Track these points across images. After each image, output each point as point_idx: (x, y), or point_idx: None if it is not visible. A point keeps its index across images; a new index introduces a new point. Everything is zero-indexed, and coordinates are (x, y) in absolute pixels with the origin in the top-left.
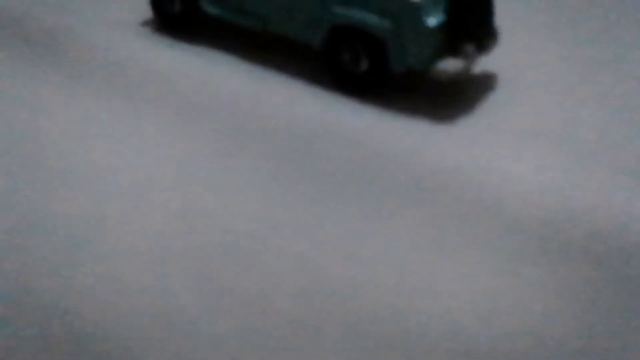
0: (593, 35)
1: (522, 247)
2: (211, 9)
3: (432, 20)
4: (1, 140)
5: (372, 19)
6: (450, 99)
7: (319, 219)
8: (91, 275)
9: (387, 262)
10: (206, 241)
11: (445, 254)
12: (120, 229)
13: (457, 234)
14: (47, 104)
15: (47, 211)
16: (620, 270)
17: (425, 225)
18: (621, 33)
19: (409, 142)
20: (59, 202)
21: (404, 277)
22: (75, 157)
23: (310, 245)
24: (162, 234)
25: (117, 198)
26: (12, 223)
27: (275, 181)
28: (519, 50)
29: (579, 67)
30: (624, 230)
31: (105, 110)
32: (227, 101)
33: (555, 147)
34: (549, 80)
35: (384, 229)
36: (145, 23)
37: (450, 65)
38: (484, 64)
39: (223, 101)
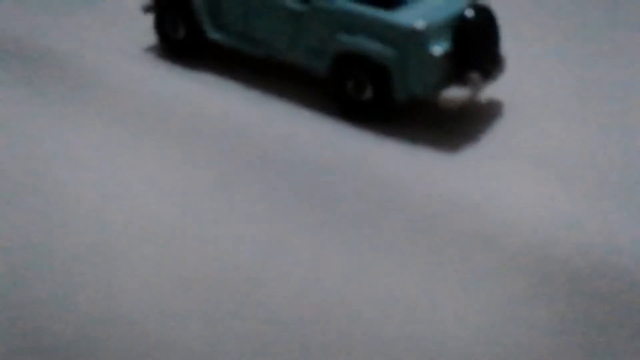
0: (602, 58)
1: (526, 281)
2: (215, 36)
3: (437, 49)
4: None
5: (376, 47)
6: (455, 126)
7: (319, 247)
8: (88, 305)
9: (387, 292)
10: (206, 270)
11: (447, 285)
12: (118, 258)
13: (458, 265)
14: (46, 129)
15: (45, 240)
16: (629, 307)
17: (426, 254)
18: (633, 57)
19: (413, 169)
20: (55, 230)
21: (403, 307)
22: (73, 184)
23: (310, 275)
24: (161, 262)
25: (115, 225)
26: (10, 254)
27: (276, 209)
28: (526, 76)
29: (587, 92)
30: (632, 265)
31: (106, 137)
32: (229, 128)
33: (561, 178)
34: (556, 107)
35: (385, 259)
36: (150, 49)
37: (455, 93)
38: (489, 90)
39: (225, 128)
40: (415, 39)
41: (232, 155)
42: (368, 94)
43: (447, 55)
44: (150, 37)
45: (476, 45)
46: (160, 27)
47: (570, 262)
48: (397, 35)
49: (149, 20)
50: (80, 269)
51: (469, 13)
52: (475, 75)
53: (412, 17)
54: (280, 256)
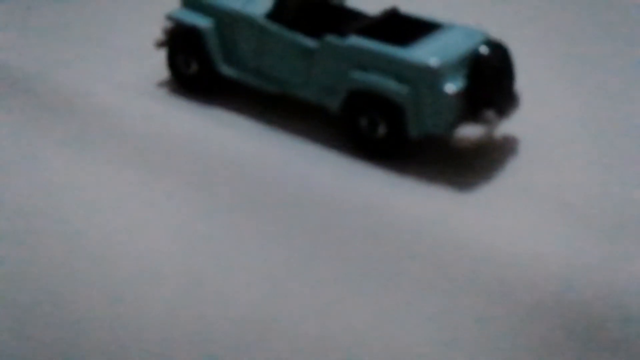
0: (620, 93)
1: (547, 333)
2: (228, 71)
3: (451, 87)
4: (7, 205)
5: (389, 85)
6: (469, 164)
7: (331, 292)
8: (97, 354)
9: (401, 340)
10: (211, 314)
11: (464, 334)
12: (124, 303)
13: (475, 311)
14: (56, 170)
15: (53, 284)
16: None
17: (441, 299)
18: None
19: (427, 209)
20: (62, 274)
21: (418, 356)
22: (82, 225)
23: (320, 321)
24: (171, 306)
25: (124, 268)
26: (16, 300)
27: (286, 250)
28: (541, 112)
29: (605, 128)
30: None
31: (116, 177)
32: (241, 166)
33: (579, 217)
34: (573, 143)
35: (398, 304)
36: (162, 84)
37: (470, 130)
38: (504, 127)
39: (237, 166)
40: (429, 77)
41: (244, 193)
42: (381, 131)
43: (461, 93)
44: (162, 73)
45: (491, 83)
46: (173, 62)
47: (590, 308)
48: (411, 72)
49: (160, 55)
50: (89, 314)
51: (484, 50)
52: (490, 113)
53: (427, 54)
54: (289, 301)
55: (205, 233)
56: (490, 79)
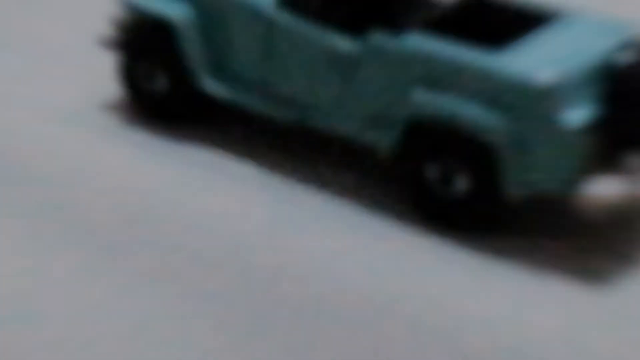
0: None
1: None
2: (216, 89)
3: (575, 116)
4: None
5: (473, 112)
6: (602, 241)
7: None
8: None
9: None
10: None
11: None
12: None
13: None
14: None
15: None
16: None
17: None
18: None
19: (525, 324)
20: None
21: None
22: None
23: None
24: None
25: None
26: None
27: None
28: None
29: None
30: None
31: (57, 262)
32: (239, 246)
33: None
34: None
35: None
36: (110, 108)
37: (605, 186)
38: None
39: (232, 246)
40: (539, 101)
41: (243, 293)
42: (461, 186)
43: (591, 126)
44: (110, 90)
45: (638, 110)
46: (129, 74)
47: None
48: (508, 93)
49: (108, 62)
50: None
51: (627, 57)
52: (636, 158)
53: (534, 64)
54: None
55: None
56: (637, 103)
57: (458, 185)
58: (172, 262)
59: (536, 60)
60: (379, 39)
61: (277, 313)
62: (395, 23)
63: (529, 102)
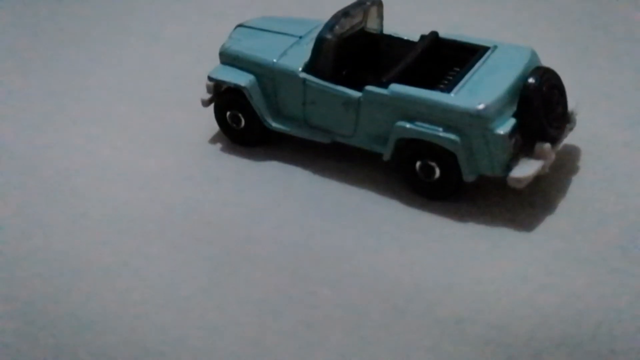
0: None
1: None
2: (276, 126)
3: (502, 128)
4: None
5: (438, 133)
6: (525, 203)
7: None
8: None
9: None
10: None
11: None
12: None
13: None
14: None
15: None
16: None
17: None
18: None
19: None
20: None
21: None
22: None
23: None
24: None
25: None
26: None
27: None
28: (599, 119)
29: None
30: None
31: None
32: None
33: None
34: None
35: None
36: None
37: (526, 167)
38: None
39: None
40: (479, 122)
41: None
42: (436, 174)
43: (513, 132)
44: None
45: (542, 115)
46: (222, 117)
47: None
48: (459, 119)
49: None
50: None
51: (532, 80)
52: (545, 146)
53: (473, 97)
54: None
55: None
56: (540, 111)
57: (434, 174)
58: None
59: (475, 94)
60: (372, 89)
61: None
62: (381, 77)
63: (472, 122)
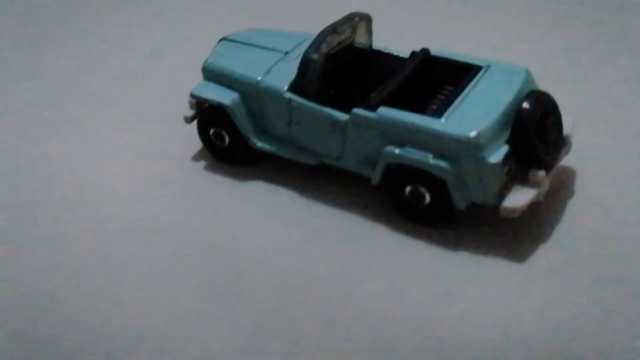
0: None
1: None
2: (260, 145)
3: (495, 156)
4: None
5: (427, 159)
6: (519, 231)
7: None
8: None
9: None
10: None
11: None
12: None
13: None
14: None
15: None
16: None
17: None
18: None
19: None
20: None
21: None
22: None
23: None
24: None
25: None
26: None
27: None
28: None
29: None
30: None
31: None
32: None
33: None
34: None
35: None
36: (201, 152)
37: (518, 196)
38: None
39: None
40: (470, 149)
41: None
42: (426, 200)
43: (506, 160)
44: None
45: (537, 141)
46: (205, 135)
47: None
48: (449, 146)
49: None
50: None
51: (526, 104)
52: (539, 174)
53: (464, 123)
54: None
55: None
56: (535, 138)
57: (424, 200)
58: None
59: (466, 119)
60: (359, 112)
61: None
62: (368, 99)
63: (463, 150)
